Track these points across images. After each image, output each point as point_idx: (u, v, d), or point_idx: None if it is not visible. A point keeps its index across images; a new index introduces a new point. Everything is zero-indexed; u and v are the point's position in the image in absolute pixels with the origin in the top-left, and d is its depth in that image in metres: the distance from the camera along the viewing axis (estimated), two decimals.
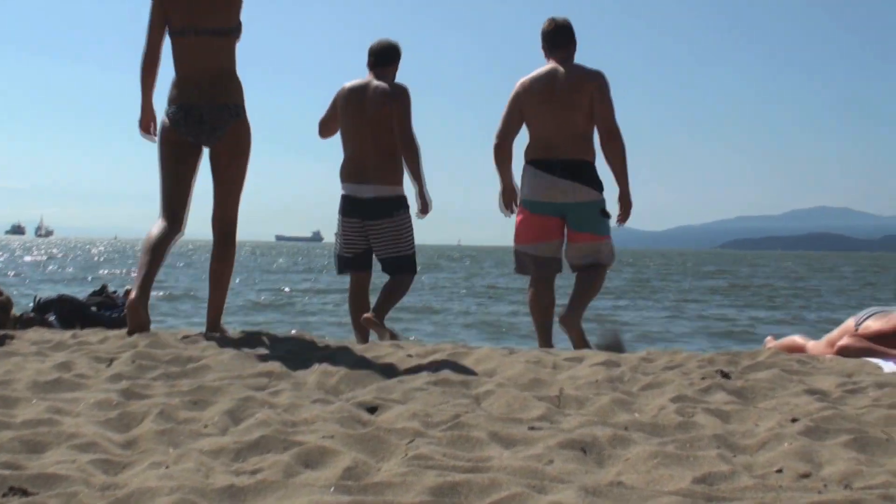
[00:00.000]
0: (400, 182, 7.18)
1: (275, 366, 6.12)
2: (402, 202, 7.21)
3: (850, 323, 7.71)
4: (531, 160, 6.85)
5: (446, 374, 5.90)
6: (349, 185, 7.12)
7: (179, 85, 6.02)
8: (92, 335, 7.77)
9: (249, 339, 7.26)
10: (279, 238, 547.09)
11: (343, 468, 3.82)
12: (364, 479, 3.74)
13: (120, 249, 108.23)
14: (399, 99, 6.98)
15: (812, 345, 7.90)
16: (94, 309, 10.39)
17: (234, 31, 6.02)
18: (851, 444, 4.25)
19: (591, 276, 7.12)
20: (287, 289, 35.64)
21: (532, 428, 4.55)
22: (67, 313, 10.01)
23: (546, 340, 7.44)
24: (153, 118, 6.30)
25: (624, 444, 4.27)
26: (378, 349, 7.06)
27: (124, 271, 46.44)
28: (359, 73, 7.38)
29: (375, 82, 7.07)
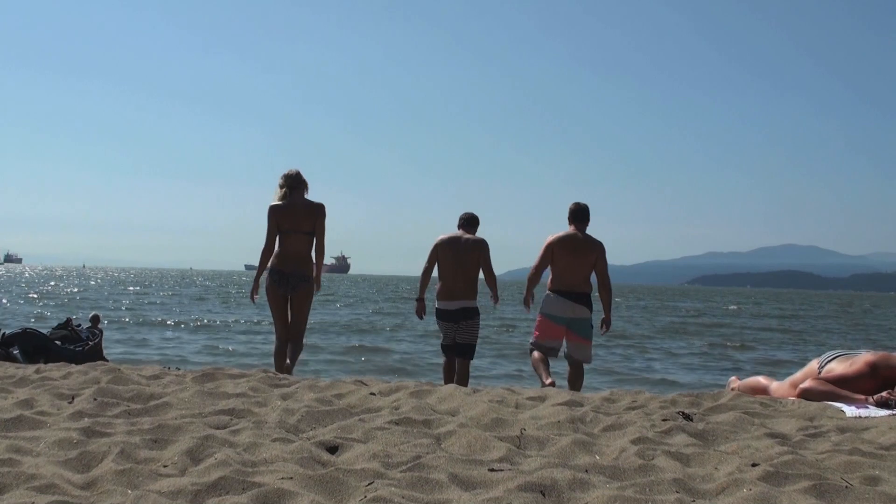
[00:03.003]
0: (475, 298, 10.33)
1: (236, 403, 6.08)
2: (477, 311, 10.38)
3: (813, 365, 7.69)
4: (553, 289, 10.12)
5: (408, 413, 5.88)
6: (443, 302, 10.27)
7: (281, 259, 9.46)
8: (55, 370, 7.71)
9: (211, 376, 7.21)
10: (248, 267, 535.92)
11: None
12: None
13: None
14: (484, 248, 10.28)
15: (775, 386, 7.87)
16: (58, 343, 10.31)
17: (314, 233, 9.54)
18: (811, 491, 4.23)
19: (577, 373, 10.15)
20: (255, 319, 35.40)
21: (492, 469, 4.53)
22: (32, 347, 9.93)
23: (546, 375, 9.82)
24: (257, 291, 9.70)
25: (583, 487, 4.26)
26: (341, 387, 7.03)
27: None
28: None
29: (466, 236, 10.38)
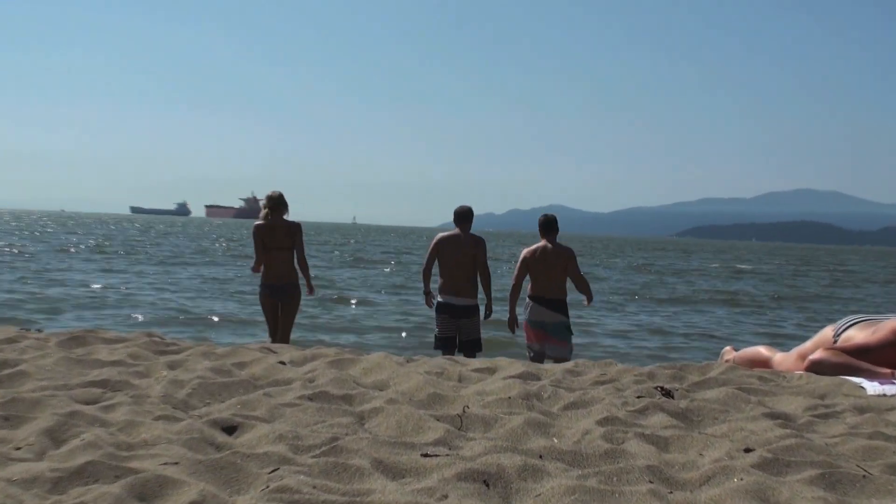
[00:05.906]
0: (476, 296, 12.90)
1: (111, 373, 6.06)
2: (478, 308, 12.94)
3: (827, 333, 7.72)
4: (531, 296, 12.74)
5: (325, 386, 5.90)
6: (446, 296, 12.76)
7: (270, 275, 12.63)
8: None
9: (81, 340, 7.17)
10: (135, 210, 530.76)
11: (187, 503, 3.79)
12: None
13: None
14: (481, 245, 12.91)
15: (779, 358, 7.89)
16: None
17: (294, 247, 12.78)
18: (818, 481, 4.29)
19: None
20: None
21: (426, 455, 4.57)
22: None
23: None
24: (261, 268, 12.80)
25: (536, 476, 4.30)
26: (244, 354, 7.02)
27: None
28: None
29: (464, 234, 12.86)
